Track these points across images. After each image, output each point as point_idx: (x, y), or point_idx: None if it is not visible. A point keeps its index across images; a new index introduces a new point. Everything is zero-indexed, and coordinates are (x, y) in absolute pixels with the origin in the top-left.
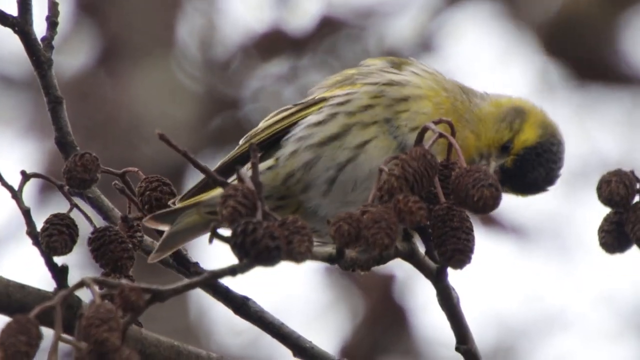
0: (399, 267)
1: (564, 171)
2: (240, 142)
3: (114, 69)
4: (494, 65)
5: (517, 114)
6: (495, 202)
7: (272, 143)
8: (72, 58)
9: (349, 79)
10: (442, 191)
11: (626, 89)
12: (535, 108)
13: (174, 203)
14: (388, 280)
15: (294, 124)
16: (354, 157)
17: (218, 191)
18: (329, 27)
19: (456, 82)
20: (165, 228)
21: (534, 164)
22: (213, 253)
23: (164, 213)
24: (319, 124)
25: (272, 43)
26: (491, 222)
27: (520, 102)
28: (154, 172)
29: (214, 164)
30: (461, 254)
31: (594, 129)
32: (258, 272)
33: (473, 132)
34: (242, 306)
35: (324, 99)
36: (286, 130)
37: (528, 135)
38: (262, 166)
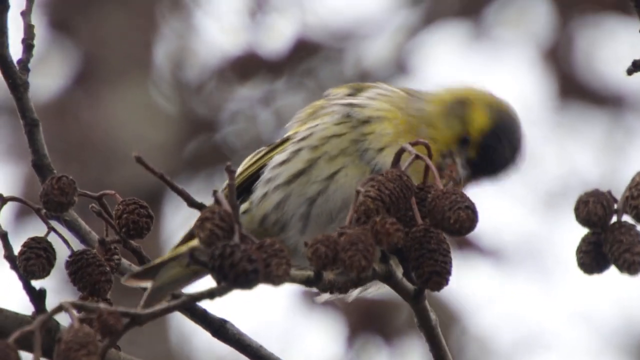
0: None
1: (528, 137)
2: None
3: (90, 89)
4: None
5: (461, 105)
6: (472, 224)
7: (249, 186)
8: (47, 79)
9: (318, 111)
10: (419, 213)
11: (605, 110)
12: (477, 91)
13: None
14: (368, 303)
15: (264, 166)
16: (324, 189)
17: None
18: (304, 49)
19: (405, 90)
20: (147, 284)
21: (497, 148)
22: None
23: (145, 270)
24: (283, 163)
25: (248, 65)
26: (468, 245)
27: (460, 92)
28: (131, 194)
29: (190, 188)
30: (438, 276)
31: (573, 149)
32: (236, 296)
33: (427, 138)
34: (220, 329)
35: (288, 138)
36: (258, 172)
37: (480, 122)
38: (240, 209)
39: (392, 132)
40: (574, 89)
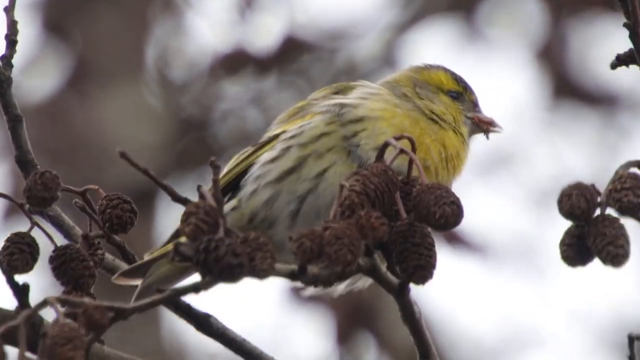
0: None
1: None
2: None
3: (83, 91)
4: None
5: (417, 82)
6: (457, 219)
7: (236, 185)
8: (40, 80)
9: (301, 112)
10: (404, 208)
11: (597, 109)
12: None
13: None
14: (356, 299)
15: (252, 164)
16: (314, 187)
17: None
18: (293, 47)
19: (387, 84)
20: (136, 283)
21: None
22: None
23: (134, 267)
24: (273, 160)
25: (237, 63)
26: (456, 240)
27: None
28: (123, 194)
29: (182, 187)
30: (423, 270)
31: (566, 149)
32: (224, 292)
33: (436, 122)
34: (204, 323)
35: (276, 136)
36: (246, 171)
37: (442, 77)
38: (227, 207)
39: (389, 132)
40: (567, 88)
